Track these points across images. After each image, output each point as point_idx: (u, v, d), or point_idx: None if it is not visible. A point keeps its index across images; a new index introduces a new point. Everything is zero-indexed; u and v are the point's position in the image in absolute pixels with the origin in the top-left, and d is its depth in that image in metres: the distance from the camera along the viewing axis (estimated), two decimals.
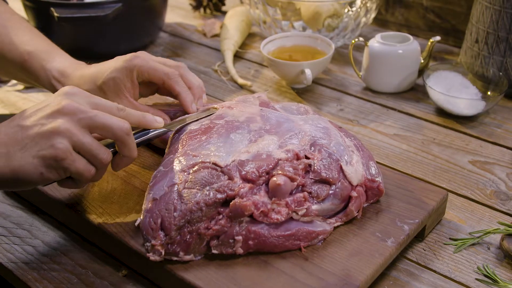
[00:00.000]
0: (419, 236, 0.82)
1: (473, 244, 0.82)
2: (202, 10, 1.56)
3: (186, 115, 0.87)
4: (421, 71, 1.16)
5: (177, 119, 0.85)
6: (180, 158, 0.77)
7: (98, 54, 1.31)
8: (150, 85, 0.92)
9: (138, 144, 0.78)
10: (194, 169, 0.75)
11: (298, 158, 0.77)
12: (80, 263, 0.80)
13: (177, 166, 0.76)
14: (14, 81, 1.21)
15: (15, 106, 1.15)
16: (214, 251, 0.73)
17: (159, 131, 0.81)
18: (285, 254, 0.74)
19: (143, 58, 0.87)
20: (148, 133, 0.80)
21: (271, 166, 0.75)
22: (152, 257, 0.72)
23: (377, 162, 0.96)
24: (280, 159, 0.76)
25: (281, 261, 0.73)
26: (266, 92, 1.06)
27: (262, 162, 0.76)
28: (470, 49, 1.17)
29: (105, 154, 0.73)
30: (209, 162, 0.75)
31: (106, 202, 0.83)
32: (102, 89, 0.88)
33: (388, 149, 1.02)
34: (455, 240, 0.82)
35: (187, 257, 0.73)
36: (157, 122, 0.80)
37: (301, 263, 0.73)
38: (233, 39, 1.31)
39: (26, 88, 1.21)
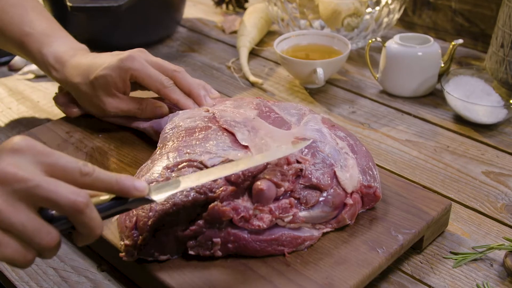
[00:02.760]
0: (417, 247, 0.77)
1: (475, 260, 0.76)
2: (224, 6, 1.53)
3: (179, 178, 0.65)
4: (442, 75, 1.10)
5: (169, 181, 0.64)
6: (170, 154, 0.74)
7: (112, 46, 1.29)
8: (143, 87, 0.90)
9: (108, 216, 0.59)
10: (179, 167, 0.71)
11: (288, 163, 0.72)
12: (60, 256, 0.77)
13: (163, 162, 0.73)
14: (25, 70, 1.21)
15: (21, 95, 1.14)
16: (191, 252, 0.69)
17: (141, 201, 0.60)
18: (266, 258, 0.70)
19: (139, 61, 0.82)
20: (124, 203, 0.59)
21: (258, 169, 0.71)
22: (125, 257, 0.68)
23: (383, 168, 0.91)
24: (269, 163, 0.72)
25: (261, 266, 0.69)
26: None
27: None
28: (495, 54, 1.10)
29: (47, 237, 0.55)
30: (196, 161, 0.71)
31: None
32: (93, 84, 0.86)
33: (397, 155, 0.96)
34: (456, 254, 0.77)
35: (163, 257, 0.69)
36: (137, 189, 0.59)
37: (282, 269, 0.69)
38: (250, 36, 1.28)
39: (37, 77, 1.20)
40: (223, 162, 0.71)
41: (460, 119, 1.05)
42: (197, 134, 0.76)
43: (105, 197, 0.59)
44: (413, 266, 0.75)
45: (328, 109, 1.09)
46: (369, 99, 1.12)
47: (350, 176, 0.74)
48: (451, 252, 0.77)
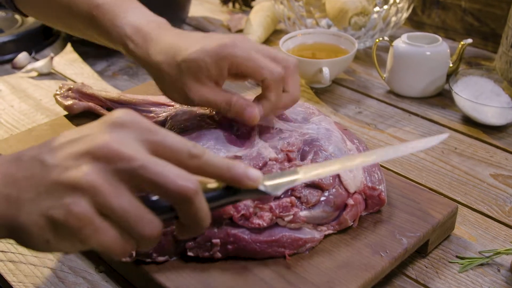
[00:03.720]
0: (422, 251, 0.75)
1: (482, 265, 0.74)
2: (230, 4, 1.51)
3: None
4: (450, 76, 1.08)
5: (285, 172, 0.58)
6: None
7: None
8: (240, 77, 0.75)
9: (217, 207, 0.55)
10: None
11: (289, 159, 0.71)
12: (57, 256, 0.76)
13: None
14: (28, 67, 1.20)
15: (24, 93, 1.13)
16: (190, 254, 0.68)
17: (254, 192, 0.54)
18: (267, 261, 0.68)
19: (242, 48, 0.70)
20: (235, 193, 0.54)
21: (258, 166, 0.69)
22: (123, 258, 0.67)
23: (388, 169, 0.89)
24: (270, 159, 0.70)
25: (262, 268, 0.67)
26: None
27: (250, 161, 0.70)
28: (505, 54, 1.08)
29: (149, 226, 0.49)
30: None
31: None
32: (179, 66, 0.71)
33: (403, 156, 0.94)
34: (462, 258, 0.74)
35: (161, 258, 0.68)
36: (250, 179, 0.53)
37: (283, 272, 0.67)
38: (256, 34, 1.26)
39: (40, 75, 1.19)
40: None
41: (468, 120, 1.02)
42: (192, 133, 0.74)
43: (212, 185, 0.54)
44: (417, 270, 0.73)
45: (334, 109, 1.07)
46: (376, 99, 1.10)
47: (354, 176, 0.72)
48: (457, 257, 0.75)
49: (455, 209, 0.76)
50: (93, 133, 0.49)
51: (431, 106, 1.08)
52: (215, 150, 0.71)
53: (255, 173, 0.54)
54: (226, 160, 0.53)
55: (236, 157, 0.69)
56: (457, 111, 1.05)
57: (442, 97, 1.10)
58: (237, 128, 0.75)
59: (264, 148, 0.71)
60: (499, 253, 0.74)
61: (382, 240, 0.71)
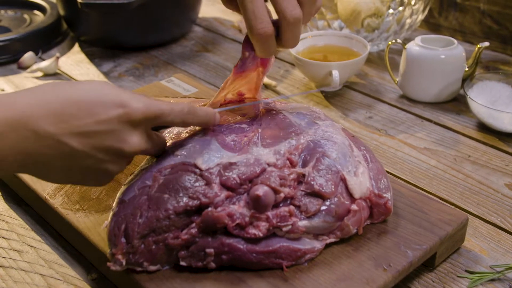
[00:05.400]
0: (429, 265, 0.71)
1: (493, 280, 0.70)
2: None
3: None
4: (466, 80, 1.04)
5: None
6: (161, 157, 0.69)
7: (125, 45, 1.27)
8: None
9: None
10: (171, 170, 0.67)
11: (291, 162, 0.67)
12: (49, 262, 0.74)
13: (155, 165, 0.68)
14: (34, 67, 1.18)
15: None
16: (182, 263, 0.64)
17: None
18: (263, 272, 0.65)
19: None
20: None
21: (256, 173, 0.66)
22: (113, 266, 0.64)
23: (397, 177, 0.86)
24: (269, 163, 0.67)
25: (257, 280, 0.64)
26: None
27: (247, 167, 0.66)
28: None
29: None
30: (190, 164, 0.67)
31: (85, 198, 0.76)
32: None
33: (413, 163, 0.90)
34: (472, 273, 0.70)
35: (153, 268, 0.65)
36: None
37: (279, 284, 0.63)
38: None
39: (45, 75, 1.17)
40: (218, 164, 0.66)
41: (483, 127, 0.98)
42: (187, 137, 0.71)
43: None
44: (424, 285, 0.69)
45: (344, 114, 1.03)
46: (387, 104, 1.06)
47: (360, 182, 0.68)
48: (466, 271, 0.71)
49: (465, 221, 0.72)
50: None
51: (445, 112, 1.03)
52: (207, 155, 0.67)
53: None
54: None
55: (231, 164, 0.66)
56: (472, 117, 1.01)
57: (456, 103, 1.06)
58: (234, 134, 0.72)
59: (262, 154, 0.68)
60: (511, 268, 0.70)
61: (386, 252, 0.67)
